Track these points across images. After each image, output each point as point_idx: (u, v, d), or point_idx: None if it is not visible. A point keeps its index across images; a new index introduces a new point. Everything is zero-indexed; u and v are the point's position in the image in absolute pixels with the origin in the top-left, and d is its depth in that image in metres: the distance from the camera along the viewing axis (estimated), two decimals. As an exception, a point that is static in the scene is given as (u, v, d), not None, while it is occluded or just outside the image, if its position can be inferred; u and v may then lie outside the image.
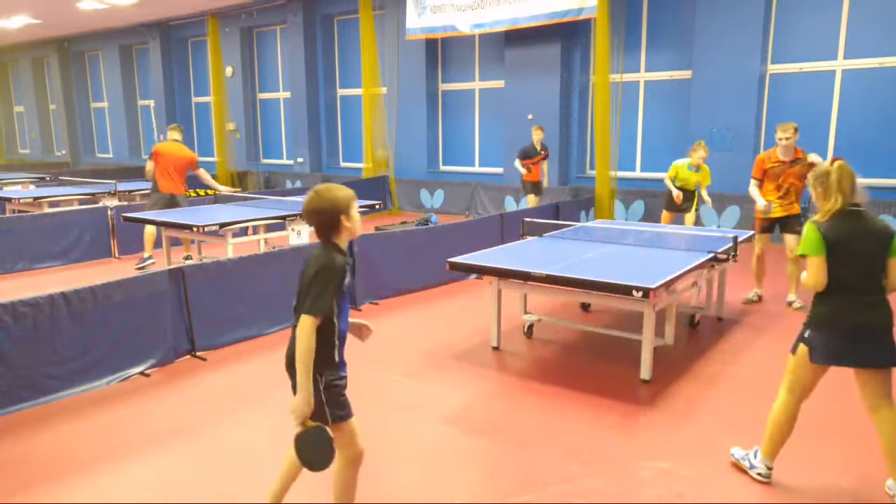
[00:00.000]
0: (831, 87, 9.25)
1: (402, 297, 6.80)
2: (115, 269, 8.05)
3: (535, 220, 6.43)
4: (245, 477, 3.29)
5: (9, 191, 10.76)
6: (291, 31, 14.74)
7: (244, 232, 7.60)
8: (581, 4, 10.11)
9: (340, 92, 15.08)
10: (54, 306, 4.17)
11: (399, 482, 3.26)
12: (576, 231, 6.51)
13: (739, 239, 5.39)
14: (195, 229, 6.64)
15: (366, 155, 13.72)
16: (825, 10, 9.13)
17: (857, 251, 2.92)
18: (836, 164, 3.02)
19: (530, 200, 10.27)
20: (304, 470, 2.56)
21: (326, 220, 2.50)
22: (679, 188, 7.65)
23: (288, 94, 15.59)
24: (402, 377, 4.64)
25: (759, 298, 6.47)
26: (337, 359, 2.56)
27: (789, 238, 6.11)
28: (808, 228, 2.98)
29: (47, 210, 9.26)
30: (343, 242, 2.56)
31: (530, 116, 11.42)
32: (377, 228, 8.79)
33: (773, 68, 9.62)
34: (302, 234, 7.17)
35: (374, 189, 12.99)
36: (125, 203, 9.91)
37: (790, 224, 6.13)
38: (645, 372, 4.44)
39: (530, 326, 5.48)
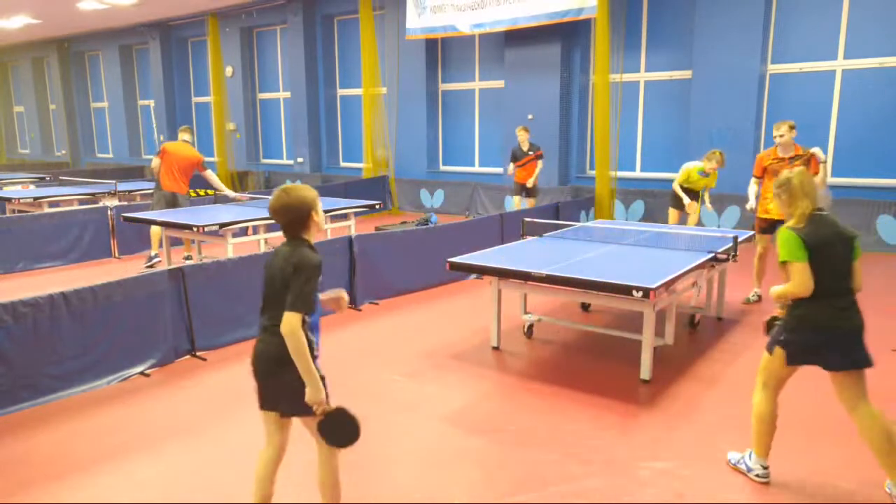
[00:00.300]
0: (831, 87, 9.25)
1: (402, 297, 6.80)
2: (115, 269, 8.05)
3: (535, 220, 6.44)
4: (245, 477, 3.27)
5: (9, 191, 10.77)
6: (291, 31, 14.74)
7: (244, 232, 7.60)
8: (581, 4, 10.11)
9: (340, 92, 15.08)
10: (54, 306, 4.17)
11: (399, 482, 3.26)
12: (576, 231, 6.51)
13: (739, 239, 5.39)
14: (195, 229, 6.64)
15: (366, 155, 13.72)
16: (825, 10, 9.13)
17: (833, 254, 2.95)
18: (797, 170, 3.09)
19: (515, 202, 10.18)
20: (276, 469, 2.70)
21: (298, 216, 2.55)
22: (684, 189, 7.66)
23: (288, 94, 15.59)
24: (402, 377, 4.64)
25: (759, 298, 6.47)
26: (314, 351, 2.58)
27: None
28: (787, 235, 2.97)
29: (47, 210, 9.26)
30: (312, 238, 2.61)
31: (530, 116, 11.42)
32: (377, 228, 8.79)
33: (773, 68, 9.62)
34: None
35: (374, 189, 13.00)
36: (125, 203, 9.91)
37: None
38: (645, 372, 4.44)
39: (530, 326, 5.48)
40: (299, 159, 15.29)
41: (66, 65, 21.12)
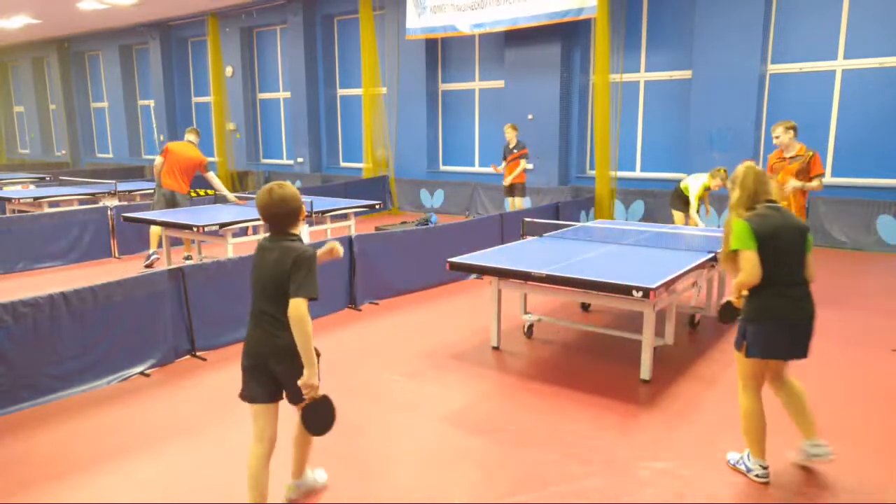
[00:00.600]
0: (831, 87, 9.25)
1: (402, 297, 6.80)
2: (115, 269, 8.06)
3: (535, 220, 6.44)
4: (245, 477, 3.28)
5: (9, 191, 10.77)
6: (291, 31, 14.74)
7: (244, 232, 7.60)
8: (581, 4, 10.11)
9: (340, 92, 15.08)
10: (54, 306, 4.17)
11: (399, 482, 3.26)
12: (576, 231, 6.51)
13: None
14: (195, 229, 6.64)
15: (366, 155, 13.72)
16: (825, 10, 9.13)
17: (784, 244, 3.04)
18: (744, 164, 3.20)
19: (509, 203, 10.14)
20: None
21: (290, 212, 2.70)
22: (682, 195, 7.67)
23: (288, 94, 15.59)
24: (402, 377, 4.64)
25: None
26: None
27: None
28: (737, 224, 3.06)
29: (47, 210, 9.26)
30: (297, 232, 2.76)
31: (530, 116, 11.43)
32: (377, 228, 8.79)
33: (773, 68, 9.62)
34: (303, 234, 7.16)
35: (374, 189, 12.99)
36: (125, 203, 9.92)
37: None
38: (645, 372, 4.44)
39: (530, 326, 5.48)
40: (299, 159, 15.29)
41: (66, 65, 21.12)
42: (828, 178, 9.25)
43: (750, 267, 3.00)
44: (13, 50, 22.18)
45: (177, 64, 18.19)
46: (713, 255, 5.07)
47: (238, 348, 5.16)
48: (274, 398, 2.78)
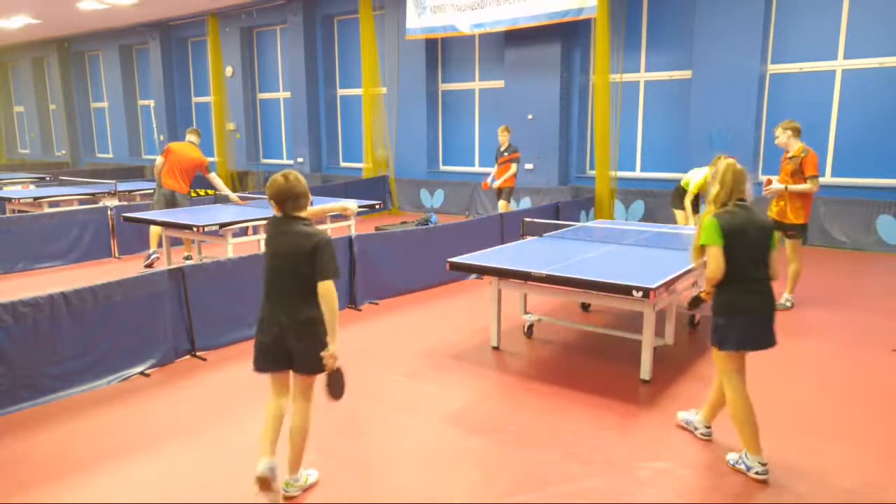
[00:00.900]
0: (831, 87, 9.25)
1: (402, 297, 6.80)
2: (115, 269, 8.05)
3: (535, 220, 6.44)
4: (245, 477, 3.28)
5: (9, 191, 10.77)
6: (291, 31, 14.74)
7: (244, 232, 7.60)
8: (581, 4, 10.11)
9: (340, 92, 15.08)
10: (54, 306, 4.17)
11: (399, 482, 3.26)
12: (576, 231, 6.51)
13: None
14: (195, 229, 6.64)
15: (366, 155, 13.72)
16: (825, 10, 9.13)
17: (748, 241, 3.15)
18: (726, 161, 3.34)
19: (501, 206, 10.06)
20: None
21: (304, 191, 2.98)
22: (685, 193, 7.65)
23: (288, 94, 15.59)
24: (402, 377, 4.64)
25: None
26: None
27: (787, 242, 6.09)
28: (706, 221, 3.19)
29: (47, 210, 9.26)
30: (307, 215, 3.03)
31: (530, 116, 11.43)
32: (377, 228, 8.79)
33: (773, 68, 9.62)
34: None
35: (374, 189, 12.99)
36: (125, 203, 9.92)
37: (784, 230, 6.05)
38: (645, 372, 4.44)
39: (530, 326, 5.48)
40: (299, 159, 15.29)
41: (66, 65, 21.12)
42: (828, 178, 9.26)
43: (714, 261, 3.13)
44: (13, 50, 22.18)
45: (177, 64, 18.20)
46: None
47: (238, 348, 5.19)
48: (285, 369, 3.03)
